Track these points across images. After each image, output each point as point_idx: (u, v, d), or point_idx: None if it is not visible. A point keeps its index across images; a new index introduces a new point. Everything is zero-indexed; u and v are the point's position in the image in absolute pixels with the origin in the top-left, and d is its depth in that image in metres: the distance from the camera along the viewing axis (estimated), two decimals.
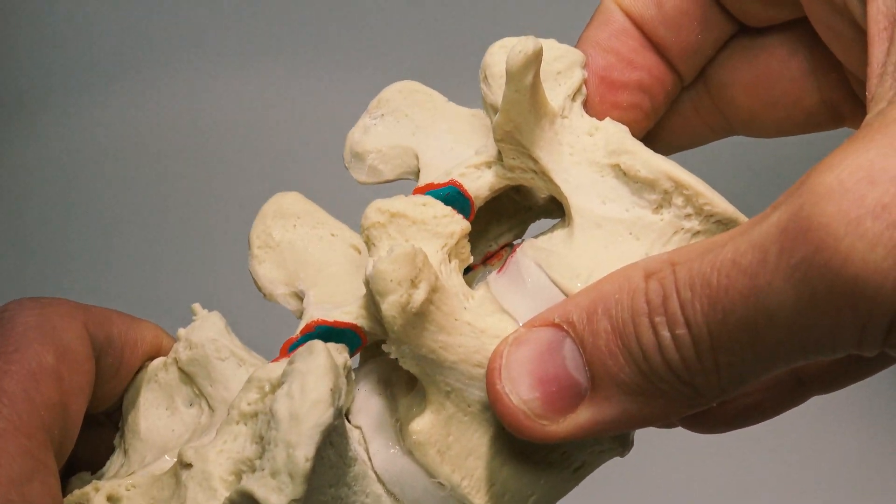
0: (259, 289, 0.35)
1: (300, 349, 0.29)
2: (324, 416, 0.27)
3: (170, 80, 0.91)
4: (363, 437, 0.31)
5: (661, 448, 0.59)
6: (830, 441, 0.78)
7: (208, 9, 0.92)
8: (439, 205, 0.32)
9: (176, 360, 0.35)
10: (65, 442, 0.31)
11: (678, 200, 0.31)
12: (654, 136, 0.35)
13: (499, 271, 0.32)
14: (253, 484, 0.27)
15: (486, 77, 0.32)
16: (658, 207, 0.31)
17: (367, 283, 0.29)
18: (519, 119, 0.30)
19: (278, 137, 0.88)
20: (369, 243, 0.31)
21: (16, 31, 0.91)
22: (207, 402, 0.34)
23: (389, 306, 0.28)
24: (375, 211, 0.31)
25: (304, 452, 0.27)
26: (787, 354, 0.25)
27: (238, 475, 0.30)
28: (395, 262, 0.28)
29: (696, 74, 0.35)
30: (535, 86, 0.30)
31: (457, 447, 0.30)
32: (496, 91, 0.32)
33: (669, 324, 0.26)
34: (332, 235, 0.35)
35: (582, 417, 0.28)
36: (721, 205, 0.30)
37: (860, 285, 0.23)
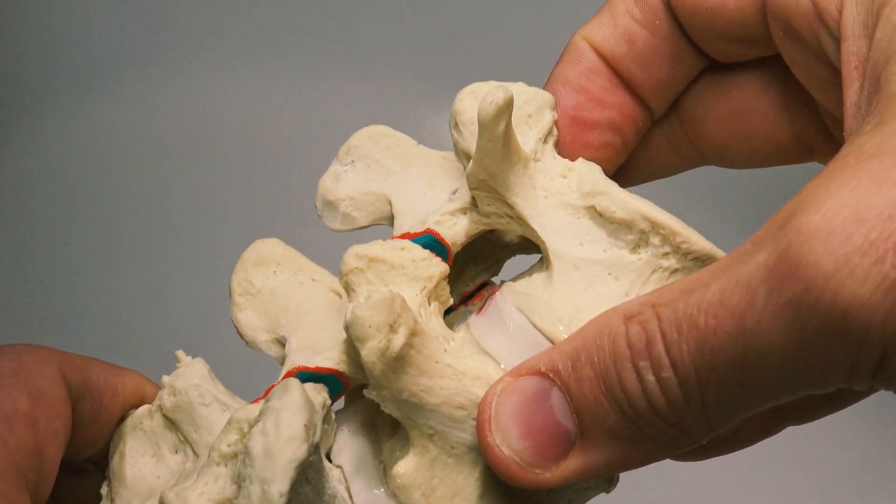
0: (241, 336, 0.35)
1: (276, 387, 0.29)
2: (298, 451, 0.28)
3: (170, 80, 0.91)
4: (344, 476, 0.32)
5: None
6: (831, 440, 0.78)
7: (210, 9, 0.91)
8: (417, 248, 0.32)
9: (160, 408, 0.35)
10: (41, 486, 0.31)
11: (655, 240, 0.31)
12: (627, 167, 0.36)
13: (478, 312, 0.32)
14: None
15: (456, 124, 0.32)
16: (635, 247, 0.31)
17: (346, 328, 0.29)
18: (493, 167, 0.31)
19: (279, 138, 0.88)
20: (348, 289, 0.31)
21: (16, 32, 0.91)
22: (192, 448, 0.35)
23: (369, 352, 0.28)
24: (353, 257, 0.31)
25: (278, 488, 0.27)
26: (777, 391, 0.26)
27: None
28: (373, 308, 0.28)
29: (666, 108, 0.35)
30: (508, 133, 0.30)
31: (441, 489, 0.31)
32: (468, 138, 0.32)
33: (654, 367, 0.26)
34: (313, 281, 0.35)
35: (573, 464, 0.29)
36: (698, 242, 0.31)
37: (850, 320, 0.23)
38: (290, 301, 0.35)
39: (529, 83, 0.33)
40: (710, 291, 0.25)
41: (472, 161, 0.31)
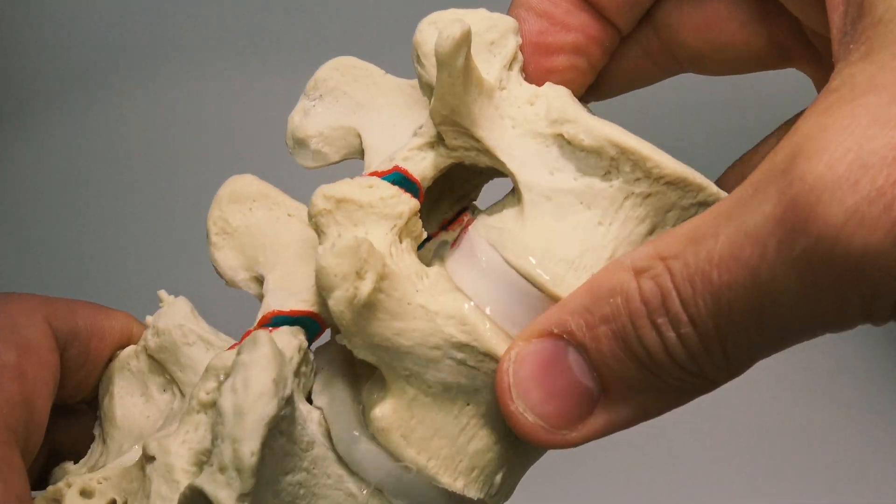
0: (220, 275, 0.35)
1: (246, 339, 0.29)
2: (267, 408, 0.27)
3: (171, 80, 0.91)
4: (324, 418, 0.31)
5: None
6: (830, 439, 0.77)
7: (210, 9, 0.91)
8: (385, 185, 0.31)
9: (146, 348, 0.35)
10: (31, 438, 0.32)
11: (626, 167, 0.30)
12: (602, 81, 0.35)
13: (453, 244, 0.32)
14: (203, 480, 0.27)
15: (417, 56, 0.32)
16: (606, 174, 0.30)
17: (316, 270, 0.29)
18: (455, 102, 0.30)
19: (279, 137, 0.87)
20: (318, 230, 0.30)
21: (16, 31, 0.91)
22: (179, 387, 0.35)
23: (336, 302, 0.28)
24: (321, 198, 0.30)
25: (249, 447, 0.27)
26: (796, 334, 0.26)
27: (200, 465, 0.30)
28: (338, 256, 0.28)
29: (634, 25, 0.34)
30: (468, 66, 0.29)
31: (421, 429, 0.30)
32: (430, 70, 0.31)
33: (672, 323, 0.26)
34: (289, 216, 0.35)
35: (599, 421, 0.29)
36: (669, 165, 0.30)
37: (864, 269, 0.24)
38: (267, 238, 0.34)
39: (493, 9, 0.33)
40: (720, 243, 0.25)
41: (433, 97, 0.30)
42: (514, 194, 0.31)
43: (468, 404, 0.30)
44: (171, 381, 0.35)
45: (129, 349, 0.36)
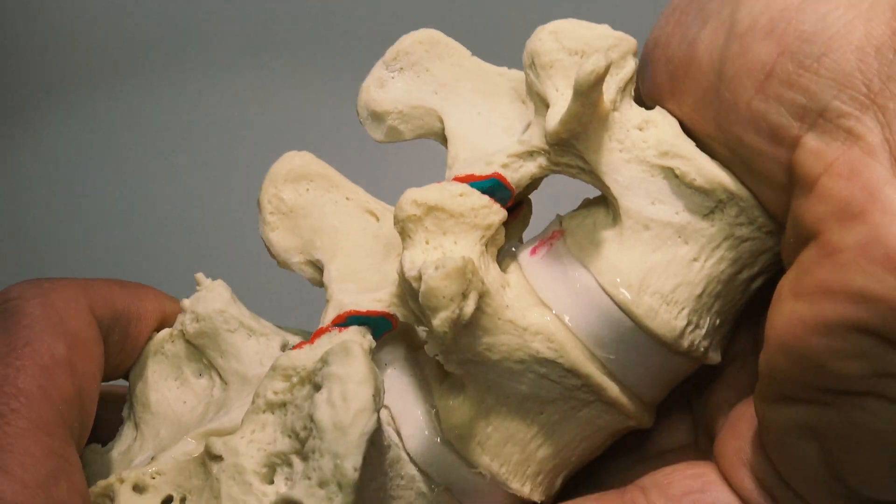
0: (273, 256, 0.34)
1: (334, 348, 0.28)
2: (368, 423, 0.27)
3: (170, 81, 0.91)
4: (392, 417, 0.31)
5: None
6: None
7: (211, 9, 0.91)
8: (476, 195, 0.30)
9: (183, 333, 0.34)
10: (83, 433, 0.31)
11: (732, 210, 0.30)
12: None
13: (532, 252, 0.31)
14: (300, 494, 0.27)
15: (533, 64, 0.31)
16: (709, 213, 0.30)
17: (401, 276, 0.29)
18: (578, 129, 0.29)
19: (279, 137, 0.87)
20: (404, 235, 0.30)
21: (16, 32, 0.91)
22: (219, 374, 0.34)
23: (441, 322, 0.28)
24: (411, 203, 0.29)
25: (352, 463, 0.27)
26: None
27: (271, 467, 0.30)
28: (447, 279, 0.27)
29: None
30: (600, 96, 0.29)
31: (495, 437, 0.31)
32: (545, 82, 0.30)
33: None
34: (347, 199, 0.34)
35: None
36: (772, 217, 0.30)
37: None
38: (325, 222, 0.33)
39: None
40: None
41: (556, 120, 0.29)
42: (608, 213, 0.31)
43: (541, 413, 0.31)
44: (209, 367, 0.34)
45: (164, 332, 0.34)
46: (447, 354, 0.29)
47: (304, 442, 0.28)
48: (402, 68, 0.33)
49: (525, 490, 0.31)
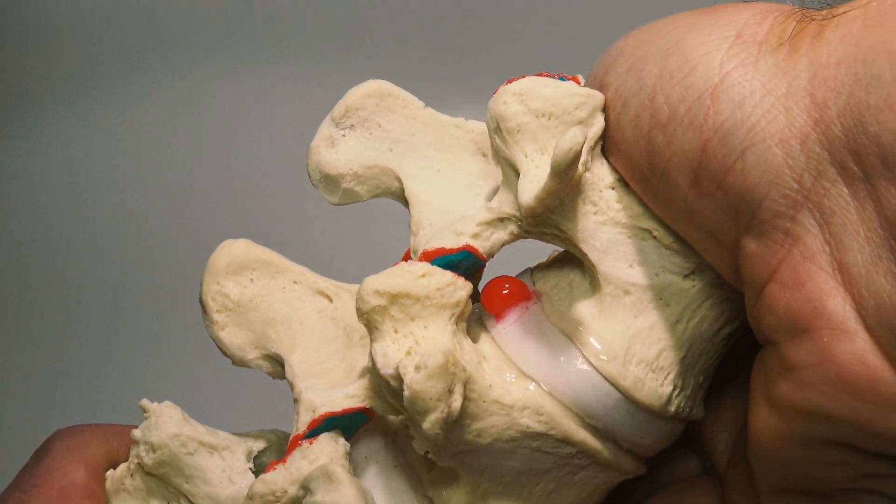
0: (227, 356, 0.32)
1: (315, 475, 0.27)
2: None
3: (170, 81, 0.90)
4: None
5: None
6: None
7: (211, 9, 0.91)
8: (439, 273, 0.29)
9: (141, 466, 0.32)
10: None
11: (712, 271, 0.28)
12: None
13: (502, 317, 0.30)
14: None
15: (498, 129, 0.29)
16: (690, 274, 0.29)
17: (374, 371, 0.27)
18: (554, 203, 0.28)
19: (279, 138, 0.87)
20: (371, 327, 0.28)
21: (15, 31, 0.91)
22: (189, 500, 0.32)
23: (432, 425, 0.27)
24: (373, 294, 0.28)
25: None
26: None
27: None
28: (431, 379, 0.26)
29: None
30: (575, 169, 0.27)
31: None
32: (513, 147, 0.29)
33: None
34: (295, 283, 0.32)
35: None
36: None
37: None
38: (276, 311, 0.32)
39: (524, 70, 0.30)
40: None
41: (532, 196, 0.28)
42: (585, 276, 0.30)
43: (537, 485, 0.30)
44: (177, 494, 0.32)
45: (120, 469, 0.33)
46: (440, 452, 0.28)
47: None
48: (352, 125, 0.32)
49: None
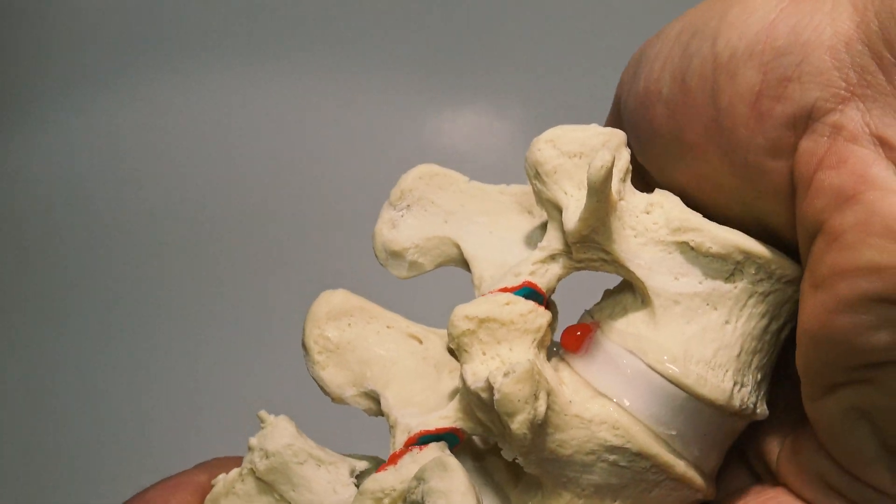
0: (327, 393, 0.35)
1: (430, 465, 0.30)
2: None
3: (170, 81, 0.90)
4: None
5: None
6: None
7: (211, 9, 0.91)
8: (521, 301, 0.32)
9: (253, 471, 0.35)
10: None
11: (750, 269, 0.32)
12: None
13: (574, 349, 0.33)
14: None
15: (538, 174, 0.33)
16: (730, 276, 0.32)
17: (466, 390, 0.30)
18: (597, 224, 0.31)
19: (279, 138, 0.87)
20: (461, 350, 0.31)
21: (15, 31, 0.91)
22: None
23: (520, 425, 0.29)
24: (463, 319, 0.31)
25: None
26: None
27: None
28: (519, 382, 0.29)
29: None
30: (609, 190, 0.31)
31: None
32: (552, 188, 0.32)
33: None
34: (388, 328, 0.36)
35: None
36: (790, 267, 0.32)
37: None
38: (372, 352, 0.35)
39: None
40: None
41: (575, 219, 0.31)
42: (636, 296, 0.33)
43: (615, 501, 0.32)
44: (281, 501, 0.35)
45: (233, 472, 0.36)
46: (527, 455, 0.31)
47: None
48: (408, 206, 0.35)
49: None
